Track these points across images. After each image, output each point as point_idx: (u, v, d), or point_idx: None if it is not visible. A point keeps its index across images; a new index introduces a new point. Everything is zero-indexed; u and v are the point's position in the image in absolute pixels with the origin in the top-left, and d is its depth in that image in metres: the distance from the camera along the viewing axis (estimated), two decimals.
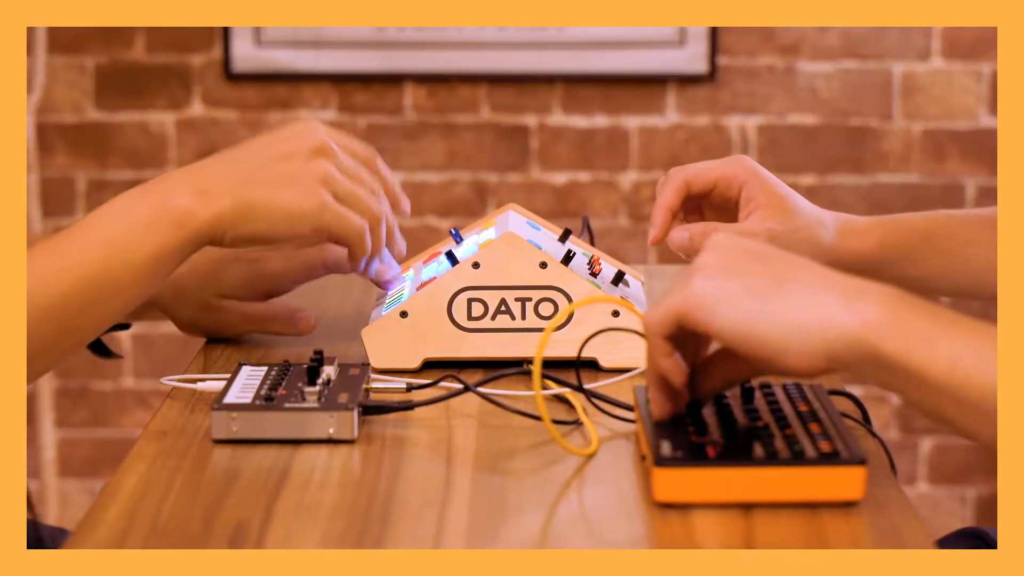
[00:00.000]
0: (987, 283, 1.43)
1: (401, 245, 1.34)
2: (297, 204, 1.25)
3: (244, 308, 1.44)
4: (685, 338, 1.08)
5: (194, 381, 1.31)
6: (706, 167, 1.42)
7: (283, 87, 2.92)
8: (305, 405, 1.19)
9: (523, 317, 1.36)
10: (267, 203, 1.25)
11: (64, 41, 2.90)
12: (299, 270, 1.44)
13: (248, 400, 1.20)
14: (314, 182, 1.26)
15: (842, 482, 1.06)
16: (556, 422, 1.20)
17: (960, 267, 1.43)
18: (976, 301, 1.47)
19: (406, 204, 1.34)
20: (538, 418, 1.18)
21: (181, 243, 1.23)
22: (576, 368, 1.25)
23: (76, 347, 1.25)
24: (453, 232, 1.46)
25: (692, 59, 2.89)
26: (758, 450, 1.07)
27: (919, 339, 1.00)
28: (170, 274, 1.25)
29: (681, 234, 1.40)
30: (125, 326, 1.50)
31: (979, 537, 1.45)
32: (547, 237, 1.44)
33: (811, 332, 1.02)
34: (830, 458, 1.06)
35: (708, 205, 1.44)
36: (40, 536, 1.48)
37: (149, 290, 1.25)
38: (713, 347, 1.11)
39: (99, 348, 1.50)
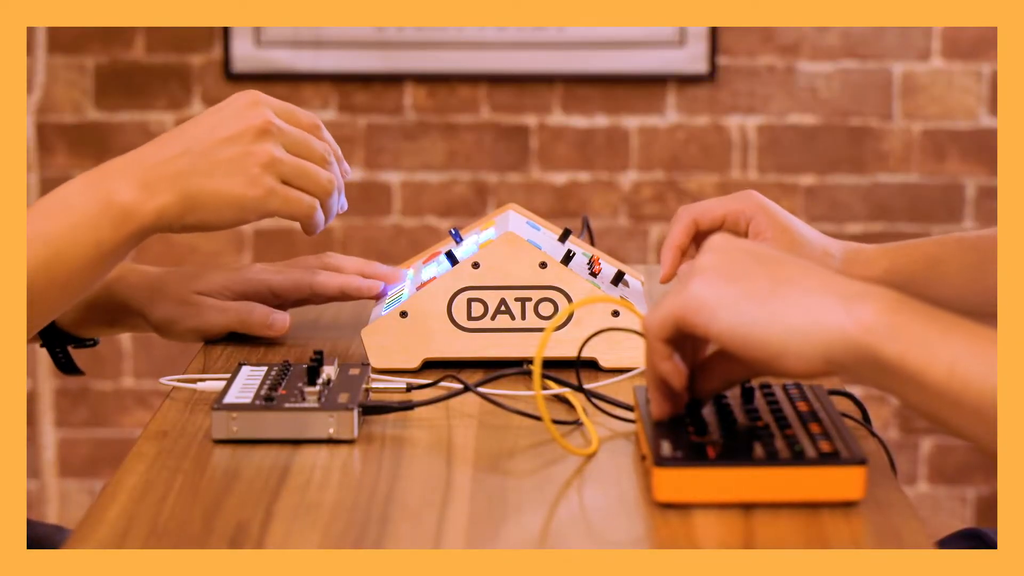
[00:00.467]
0: None
1: (343, 202, 1.33)
2: (242, 192, 1.25)
3: (221, 303, 1.43)
4: (684, 339, 1.08)
5: (194, 381, 1.31)
6: (713, 204, 1.44)
7: (283, 87, 2.92)
8: (305, 405, 1.19)
9: (523, 317, 1.36)
10: (211, 193, 1.24)
11: (64, 41, 2.91)
12: (286, 283, 1.44)
13: (248, 400, 1.20)
14: (258, 167, 1.25)
15: (842, 482, 1.06)
16: (556, 422, 1.20)
17: (973, 289, 1.44)
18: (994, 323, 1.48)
19: (347, 167, 1.33)
20: (538, 418, 1.18)
21: (125, 238, 1.23)
22: (576, 368, 1.25)
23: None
24: (453, 232, 1.46)
25: (692, 59, 2.89)
26: (758, 450, 1.07)
27: (917, 342, 1.00)
28: (115, 266, 1.26)
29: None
30: (94, 342, 1.50)
31: (978, 538, 1.45)
32: (547, 237, 1.44)
33: (809, 335, 1.02)
34: (830, 458, 1.06)
35: None
36: (39, 536, 1.48)
37: (92, 283, 1.25)
38: (711, 347, 1.11)
39: (67, 365, 1.50)
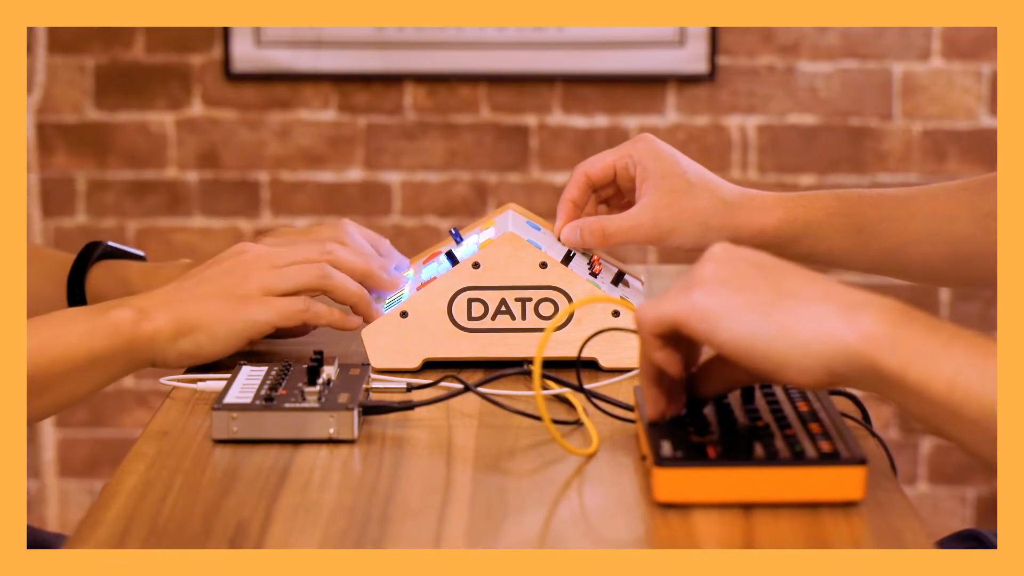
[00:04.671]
0: (898, 261, 1.44)
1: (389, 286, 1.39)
2: (232, 309, 1.31)
3: None
4: (679, 339, 1.08)
5: (194, 381, 1.31)
6: (604, 154, 1.46)
7: (283, 87, 2.92)
8: (305, 405, 1.19)
9: (523, 317, 1.36)
10: (202, 314, 1.31)
11: (64, 41, 2.90)
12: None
13: (248, 400, 1.20)
14: (246, 289, 1.32)
15: (842, 482, 1.06)
16: (556, 422, 1.20)
17: (869, 244, 1.44)
18: (889, 277, 1.49)
19: (386, 260, 1.44)
20: (538, 418, 1.18)
21: (116, 351, 1.28)
22: (576, 368, 1.25)
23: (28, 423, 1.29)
24: (453, 232, 1.46)
25: (692, 59, 2.89)
26: (758, 450, 1.07)
27: (918, 355, 1.00)
28: (110, 381, 1.30)
29: (572, 232, 1.42)
30: None
31: (976, 539, 1.45)
32: (547, 237, 1.44)
33: (812, 347, 1.01)
34: (830, 458, 1.06)
35: (621, 193, 1.47)
36: (40, 543, 1.48)
37: (86, 389, 1.29)
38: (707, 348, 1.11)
39: None
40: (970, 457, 1.04)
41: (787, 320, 1.02)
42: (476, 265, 1.35)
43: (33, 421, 1.29)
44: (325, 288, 1.35)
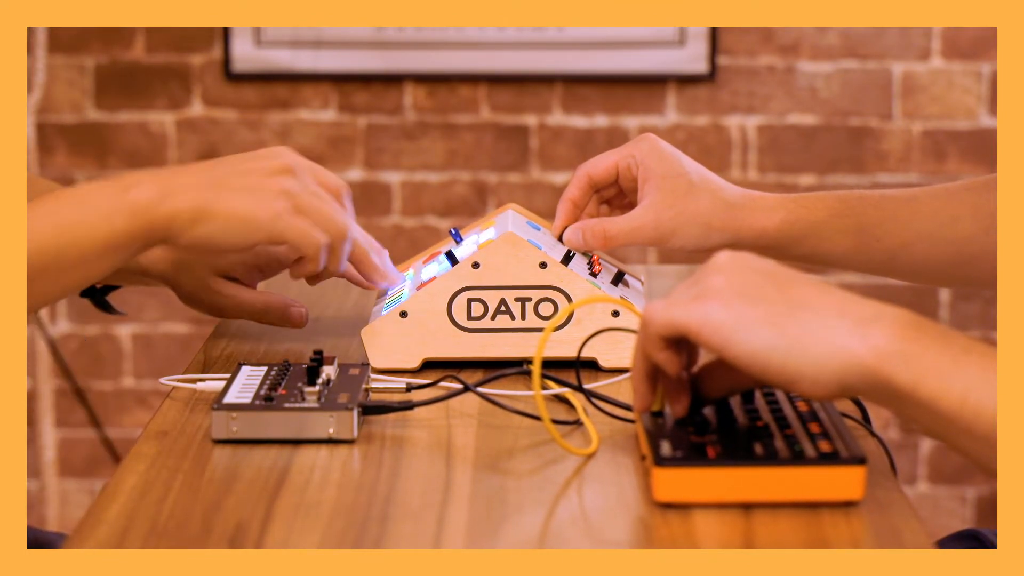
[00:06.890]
0: (900, 262, 1.44)
1: (389, 276, 1.35)
2: (251, 211, 1.26)
3: (239, 295, 1.43)
4: (680, 341, 1.08)
5: (194, 381, 1.31)
6: (606, 154, 1.46)
7: (283, 87, 2.92)
8: (305, 405, 1.19)
9: (523, 317, 1.36)
10: (222, 208, 1.26)
11: (64, 41, 2.91)
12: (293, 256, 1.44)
13: (248, 400, 1.20)
14: (273, 193, 1.27)
15: (842, 482, 1.06)
16: (556, 422, 1.20)
17: (871, 245, 1.44)
18: (890, 278, 1.49)
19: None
20: (538, 418, 1.18)
21: (134, 233, 1.24)
22: (576, 368, 1.25)
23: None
24: (453, 232, 1.46)
25: (692, 59, 2.89)
26: (758, 450, 1.07)
27: (930, 371, 1.00)
28: (124, 262, 1.27)
29: (574, 234, 1.42)
30: (115, 286, 1.51)
31: (976, 539, 1.45)
32: (547, 237, 1.44)
33: (825, 362, 1.01)
34: (830, 458, 1.06)
35: (623, 193, 1.46)
36: (40, 542, 1.48)
37: (99, 273, 1.26)
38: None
39: (104, 305, 1.51)
40: (981, 471, 1.04)
41: (801, 334, 1.02)
42: (476, 265, 1.35)
43: (43, 305, 1.26)
44: (335, 237, 1.32)
